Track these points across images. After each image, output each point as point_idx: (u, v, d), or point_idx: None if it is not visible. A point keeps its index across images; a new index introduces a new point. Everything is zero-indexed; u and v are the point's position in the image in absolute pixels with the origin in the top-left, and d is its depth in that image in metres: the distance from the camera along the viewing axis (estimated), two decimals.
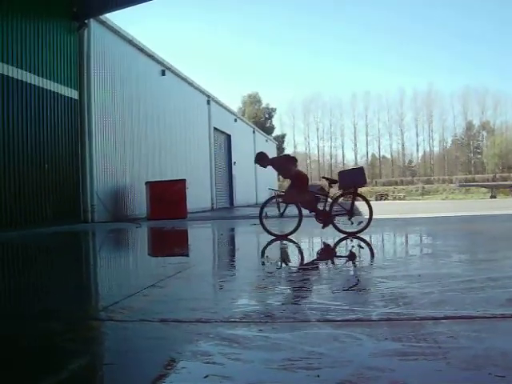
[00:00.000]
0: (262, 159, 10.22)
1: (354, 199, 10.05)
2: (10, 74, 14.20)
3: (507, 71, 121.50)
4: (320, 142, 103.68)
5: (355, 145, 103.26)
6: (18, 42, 14.64)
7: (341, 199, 10.44)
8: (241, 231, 13.53)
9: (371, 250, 8.22)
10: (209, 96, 32.86)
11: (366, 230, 9.79)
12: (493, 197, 47.50)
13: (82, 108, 17.62)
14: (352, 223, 9.75)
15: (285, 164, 10.23)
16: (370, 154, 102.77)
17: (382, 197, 58.89)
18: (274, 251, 8.63)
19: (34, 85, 15.24)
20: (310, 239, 10.38)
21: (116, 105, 20.01)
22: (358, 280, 5.13)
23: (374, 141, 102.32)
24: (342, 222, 9.87)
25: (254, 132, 48.47)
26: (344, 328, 3.22)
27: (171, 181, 20.41)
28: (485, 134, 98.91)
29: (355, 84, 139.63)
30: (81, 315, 4.02)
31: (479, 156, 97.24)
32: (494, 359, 2.58)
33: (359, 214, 10.27)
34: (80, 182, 17.44)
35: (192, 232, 13.90)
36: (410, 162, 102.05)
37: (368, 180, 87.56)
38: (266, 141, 55.77)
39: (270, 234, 10.06)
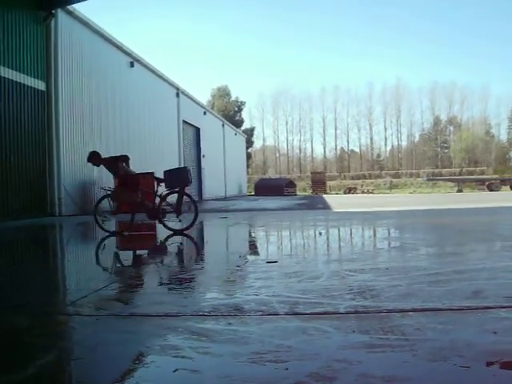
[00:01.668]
0: (94, 158, 10.56)
1: (180, 198, 10.33)
2: None
3: (474, 66, 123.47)
4: (289, 136, 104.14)
5: (324, 138, 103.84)
6: None
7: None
8: (209, 224, 13.48)
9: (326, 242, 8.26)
10: (178, 88, 32.63)
11: (313, 224, 9.86)
12: (459, 191, 48.25)
13: (49, 99, 17.32)
14: (180, 221, 10.19)
15: (112, 164, 10.46)
16: (338, 148, 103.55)
17: (350, 190, 59.28)
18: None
19: None
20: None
21: (84, 96, 19.73)
22: (326, 273, 5.15)
23: (342, 134, 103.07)
24: (171, 220, 10.28)
25: (223, 125, 48.35)
26: (312, 321, 3.25)
27: (139, 174, 20.19)
28: (452, 128, 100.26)
29: (324, 78, 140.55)
30: (48, 310, 3.98)
31: (446, 150, 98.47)
32: (460, 351, 2.62)
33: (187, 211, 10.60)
34: (47, 174, 17.19)
35: (160, 226, 13.79)
36: (379, 155, 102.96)
37: (337, 173, 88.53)
38: (235, 134, 55.70)
39: (104, 230, 10.31)
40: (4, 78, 15.12)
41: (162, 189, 10.43)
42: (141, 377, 2.45)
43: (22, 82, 16.01)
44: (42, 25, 17.13)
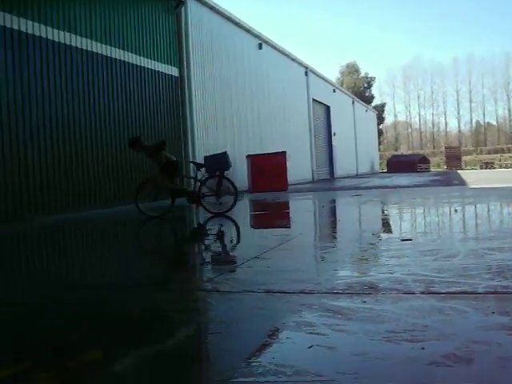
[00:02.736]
0: (134, 144, 10.82)
1: (220, 181, 10.56)
2: (113, 56, 14.66)
3: None
4: (421, 110, 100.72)
5: (458, 112, 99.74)
6: (120, 25, 15.07)
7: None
8: (342, 202, 13.46)
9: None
10: (306, 67, 32.58)
11: (448, 201, 9.50)
12: None
13: (183, 84, 17.94)
14: (220, 203, 10.51)
15: (154, 153, 10.66)
16: (474, 121, 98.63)
17: (487, 165, 56.64)
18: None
19: (136, 64, 15.64)
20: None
21: (215, 79, 20.25)
22: (463, 252, 4.98)
23: (478, 107, 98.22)
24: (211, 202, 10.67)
25: (353, 102, 47.76)
26: (449, 301, 3.17)
27: (272, 153, 20.47)
28: None
29: (456, 46, 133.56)
30: (187, 286, 4.17)
31: None
32: None
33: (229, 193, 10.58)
34: (182, 156, 17.83)
35: (293, 204, 13.96)
36: None
37: (472, 148, 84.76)
38: (366, 111, 54.87)
39: (144, 214, 10.47)
40: (140, 66, 15.82)
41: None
42: (277, 352, 2.50)
43: (157, 69, 16.67)
44: (173, 13, 17.73)
